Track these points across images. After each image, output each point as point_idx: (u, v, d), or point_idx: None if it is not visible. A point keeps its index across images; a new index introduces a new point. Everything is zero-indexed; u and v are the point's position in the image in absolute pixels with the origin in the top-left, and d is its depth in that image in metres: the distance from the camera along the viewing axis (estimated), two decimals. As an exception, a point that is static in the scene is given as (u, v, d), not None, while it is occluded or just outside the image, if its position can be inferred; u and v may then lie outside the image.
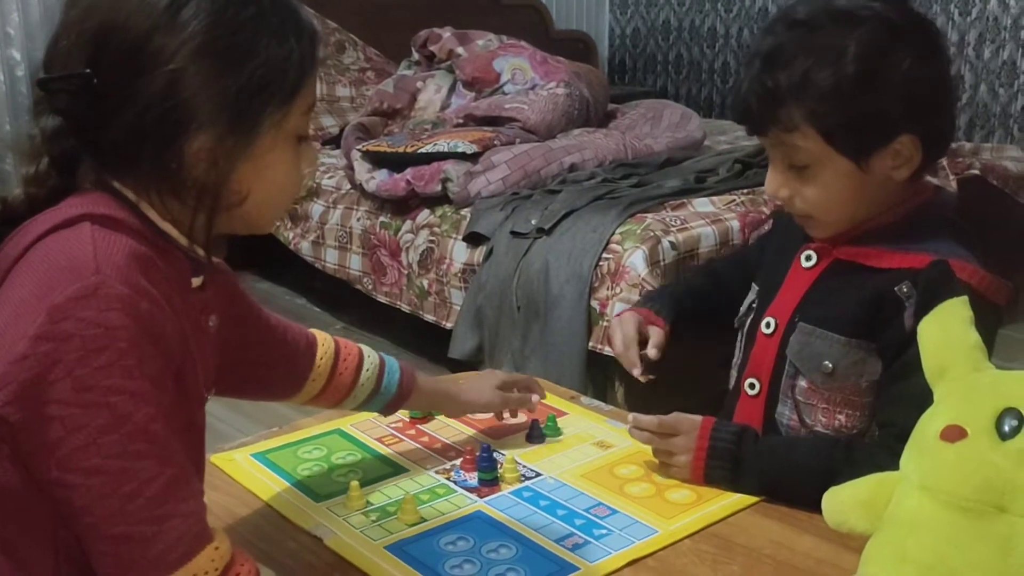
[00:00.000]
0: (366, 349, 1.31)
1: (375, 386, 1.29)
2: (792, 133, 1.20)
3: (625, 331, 1.44)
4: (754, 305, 1.40)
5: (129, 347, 0.82)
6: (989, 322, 1.15)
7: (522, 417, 1.45)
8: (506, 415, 1.44)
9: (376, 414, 1.41)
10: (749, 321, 1.40)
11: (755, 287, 1.42)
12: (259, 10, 0.89)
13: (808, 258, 1.31)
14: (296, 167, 0.96)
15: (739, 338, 1.43)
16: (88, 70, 0.85)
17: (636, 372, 1.42)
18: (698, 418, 1.27)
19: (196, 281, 0.97)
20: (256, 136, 0.90)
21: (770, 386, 1.33)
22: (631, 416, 1.31)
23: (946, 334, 1.00)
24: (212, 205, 0.89)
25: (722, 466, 1.24)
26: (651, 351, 1.43)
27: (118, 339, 0.81)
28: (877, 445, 1.16)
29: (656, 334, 1.44)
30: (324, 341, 1.27)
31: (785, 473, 1.22)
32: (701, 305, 1.55)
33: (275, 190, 0.95)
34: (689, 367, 1.86)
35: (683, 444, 1.25)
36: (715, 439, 1.24)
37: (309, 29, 0.93)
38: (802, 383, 1.29)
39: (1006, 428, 0.90)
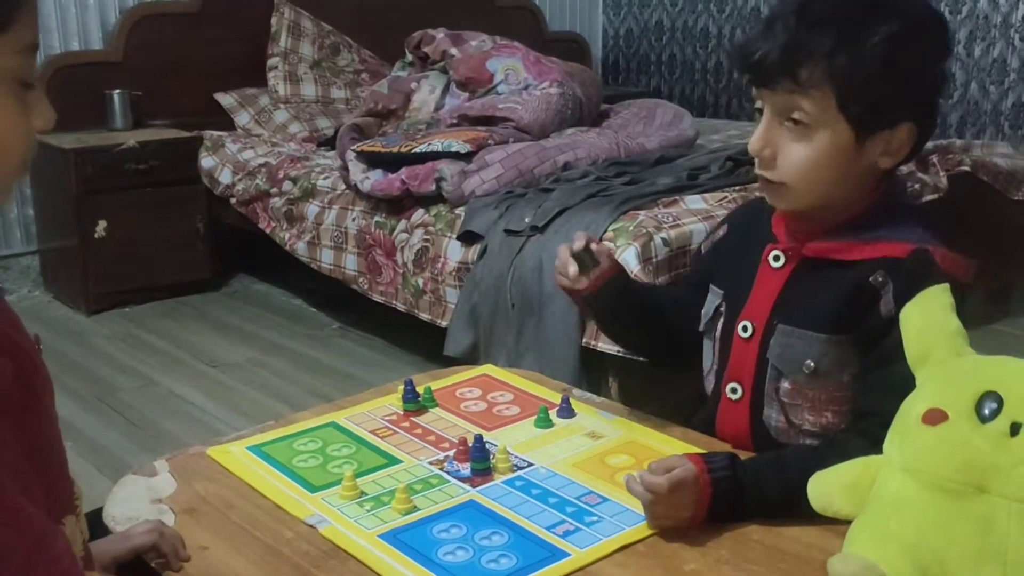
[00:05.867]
0: None
1: None
2: (806, 91, 1.19)
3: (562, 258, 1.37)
4: (721, 309, 1.37)
5: None
6: (957, 300, 1.16)
7: (516, 409, 1.48)
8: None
9: (370, 408, 1.42)
10: (720, 325, 1.37)
11: (716, 290, 1.39)
12: None
13: (776, 258, 1.29)
14: (20, 117, 0.80)
15: (711, 344, 1.40)
16: None
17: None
18: (691, 478, 1.15)
19: None
20: None
21: (753, 389, 1.32)
22: (636, 474, 1.17)
23: (928, 320, 1.02)
24: None
25: (725, 517, 1.17)
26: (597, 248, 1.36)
27: None
28: (862, 436, 1.13)
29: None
30: None
31: (788, 500, 1.14)
32: (660, 326, 1.48)
33: None
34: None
35: (683, 503, 1.16)
36: (714, 509, 1.16)
37: None
38: (785, 384, 1.28)
39: (986, 411, 0.92)
